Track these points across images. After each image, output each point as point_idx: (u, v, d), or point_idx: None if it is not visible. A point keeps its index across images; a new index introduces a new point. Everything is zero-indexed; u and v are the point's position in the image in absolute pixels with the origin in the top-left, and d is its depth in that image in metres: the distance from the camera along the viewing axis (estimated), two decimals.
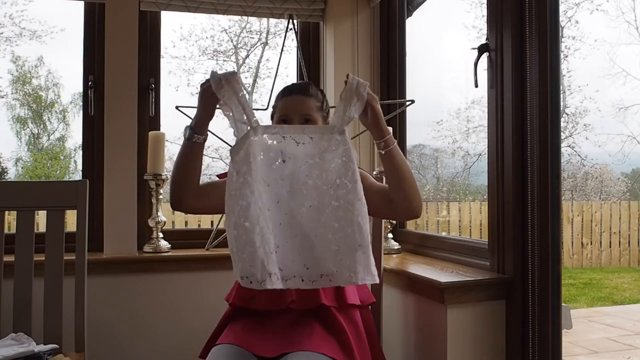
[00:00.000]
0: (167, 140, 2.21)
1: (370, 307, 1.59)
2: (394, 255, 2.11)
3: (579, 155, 9.06)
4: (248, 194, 1.26)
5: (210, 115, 1.40)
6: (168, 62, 6.96)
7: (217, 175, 1.61)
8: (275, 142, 1.33)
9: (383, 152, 1.43)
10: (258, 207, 1.27)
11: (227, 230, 1.30)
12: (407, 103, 2.25)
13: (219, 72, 1.32)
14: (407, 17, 2.42)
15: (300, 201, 1.31)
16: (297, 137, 1.33)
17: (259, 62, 7.90)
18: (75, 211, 1.77)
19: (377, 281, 1.32)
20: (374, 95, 1.41)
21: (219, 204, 1.36)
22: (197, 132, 1.39)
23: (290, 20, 2.39)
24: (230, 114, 1.32)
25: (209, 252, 2.19)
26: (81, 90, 2.23)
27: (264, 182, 1.31)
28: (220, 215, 2.41)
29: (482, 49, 1.67)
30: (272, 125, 1.37)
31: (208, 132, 1.42)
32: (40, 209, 1.80)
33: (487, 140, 1.69)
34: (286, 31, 2.40)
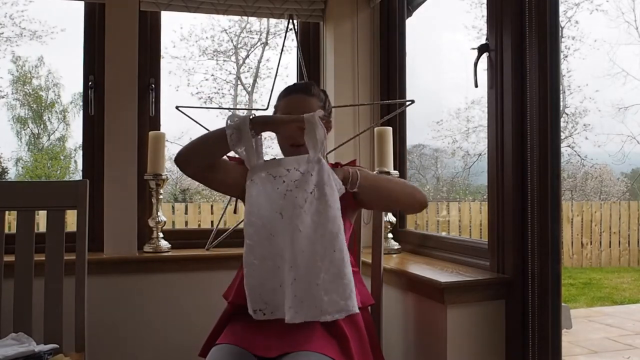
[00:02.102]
0: (167, 140, 2.21)
1: (369, 308, 1.60)
2: (394, 255, 2.11)
3: (578, 155, 9.06)
4: (252, 234, 1.36)
5: (278, 130, 1.48)
6: (168, 62, 6.97)
7: (229, 157, 1.60)
8: (268, 179, 1.38)
9: (355, 190, 1.43)
10: (262, 244, 1.36)
11: None
12: (407, 103, 2.25)
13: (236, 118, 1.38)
14: (407, 17, 2.42)
15: (294, 233, 1.34)
16: (278, 171, 1.37)
17: (259, 62, 7.91)
18: (76, 211, 1.77)
19: (357, 311, 1.34)
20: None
21: (220, 183, 1.48)
22: (253, 126, 1.38)
23: (290, 20, 2.39)
24: (242, 151, 1.40)
25: (209, 252, 2.19)
26: (81, 90, 2.24)
27: (263, 220, 1.36)
28: (220, 216, 2.42)
29: (482, 49, 1.67)
30: (258, 165, 1.39)
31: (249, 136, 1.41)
32: (41, 209, 1.81)
33: (487, 140, 1.69)
34: (286, 31, 2.40)
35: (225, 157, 1.51)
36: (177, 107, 2.18)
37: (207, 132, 1.48)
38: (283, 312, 1.33)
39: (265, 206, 1.36)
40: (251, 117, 1.38)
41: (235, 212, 2.25)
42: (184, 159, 1.44)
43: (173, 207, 6.73)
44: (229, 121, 1.38)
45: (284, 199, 1.35)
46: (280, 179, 1.37)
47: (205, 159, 1.45)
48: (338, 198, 1.36)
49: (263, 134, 1.44)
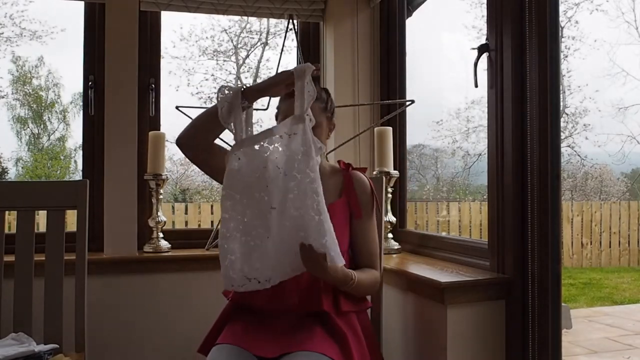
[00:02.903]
0: (167, 140, 2.21)
1: (370, 310, 1.60)
2: (394, 255, 2.11)
3: (578, 155, 9.06)
4: (228, 207, 1.36)
5: (270, 93, 1.48)
6: (168, 62, 6.98)
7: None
8: (253, 152, 1.38)
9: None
10: (237, 218, 1.35)
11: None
12: (407, 103, 2.25)
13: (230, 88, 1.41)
14: (407, 17, 2.42)
15: (278, 197, 1.34)
16: (269, 140, 1.37)
17: (259, 62, 7.90)
18: (76, 211, 1.77)
19: (342, 262, 1.34)
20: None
21: (214, 168, 1.47)
22: (245, 96, 1.40)
23: (290, 20, 2.39)
24: (231, 126, 1.40)
25: (209, 252, 2.19)
26: (81, 90, 2.24)
27: (246, 192, 1.36)
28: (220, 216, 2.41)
29: (482, 49, 1.67)
30: (246, 138, 1.40)
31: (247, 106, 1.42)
32: (41, 209, 1.81)
33: (487, 140, 1.69)
34: (286, 31, 2.40)
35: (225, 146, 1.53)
36: (177, 107, 2.18)
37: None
38: (268, 278, 1.34)
39: (247, 180, 1.36)
40: (243, 88, 1.40)
41: None
42: (183, 136, 1.48)
43: (173, 207, 6.73)
44: (219, 94, 1.40)
45: (268, 171, 1.35)
46: (268, 147, 1.37)
47: (202, 138, 1.46)
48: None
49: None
